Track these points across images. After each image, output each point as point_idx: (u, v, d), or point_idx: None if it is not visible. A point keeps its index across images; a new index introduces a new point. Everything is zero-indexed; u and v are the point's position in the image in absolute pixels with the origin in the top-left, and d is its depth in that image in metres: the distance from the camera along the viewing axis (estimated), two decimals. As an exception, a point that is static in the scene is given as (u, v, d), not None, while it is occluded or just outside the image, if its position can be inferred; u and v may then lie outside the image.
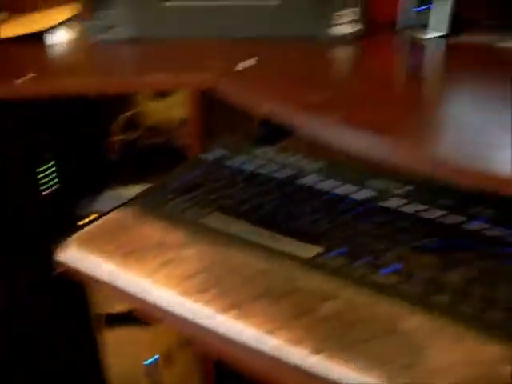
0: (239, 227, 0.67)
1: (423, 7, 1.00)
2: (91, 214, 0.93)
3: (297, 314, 0.57)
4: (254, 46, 0.92)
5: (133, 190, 0.94)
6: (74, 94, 0.83)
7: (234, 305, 0.59)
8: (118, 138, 1.07)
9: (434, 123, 0.67)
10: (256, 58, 0.83)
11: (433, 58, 0.99)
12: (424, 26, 1.01)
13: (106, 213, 0.73)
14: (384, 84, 0.79)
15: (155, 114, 1.09)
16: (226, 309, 0.58)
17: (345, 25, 0.95)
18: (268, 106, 0.72)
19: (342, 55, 0.95)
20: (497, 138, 0.61)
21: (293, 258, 0.63)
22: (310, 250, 0.64)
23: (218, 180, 0.76)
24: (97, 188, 1.04)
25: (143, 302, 0.63)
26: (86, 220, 0.84)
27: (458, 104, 0.74)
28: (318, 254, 0.63)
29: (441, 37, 1.01)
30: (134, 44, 0.95)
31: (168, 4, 0.94)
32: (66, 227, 0.71)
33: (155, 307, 0.62)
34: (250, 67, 0.82)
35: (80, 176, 1.08)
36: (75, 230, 0.70)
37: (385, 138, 0.61)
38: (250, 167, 0.77)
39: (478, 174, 0.54)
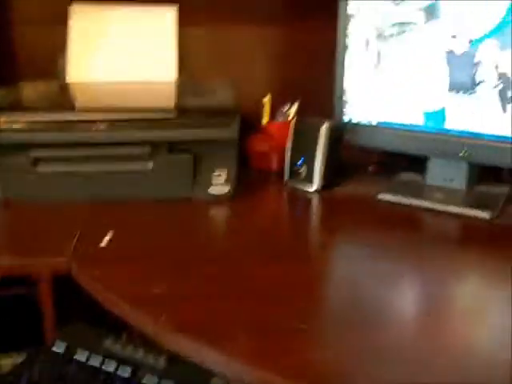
0: None
1: (303, 162, 1.00)
2: None
3: None
4: (126, 210, 0.90)
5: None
6: None
7: None
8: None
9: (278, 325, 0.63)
10: (111, 235, 0.80)
11: (312, 216, 0.98)
12: (307, 179, 1.00)
13: None
14: (245, 264, 0.76)
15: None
16: None
17: (218, 185, 0.93)
18: (105, 298, 0.69)
19: (212, 219, 0.93)
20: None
21: None
22: None
23: (58, 379, 0.71)
24: None
25: None
26: None
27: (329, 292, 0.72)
28: None
29: (323, 189, 1.00)
30: (3, 208, 0.92)
31: (40, 169, 0.92)
32: None
33: None
34: (108, 245, 0.79)
35: None
36: None
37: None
38: (93, 362, 0.72)
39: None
